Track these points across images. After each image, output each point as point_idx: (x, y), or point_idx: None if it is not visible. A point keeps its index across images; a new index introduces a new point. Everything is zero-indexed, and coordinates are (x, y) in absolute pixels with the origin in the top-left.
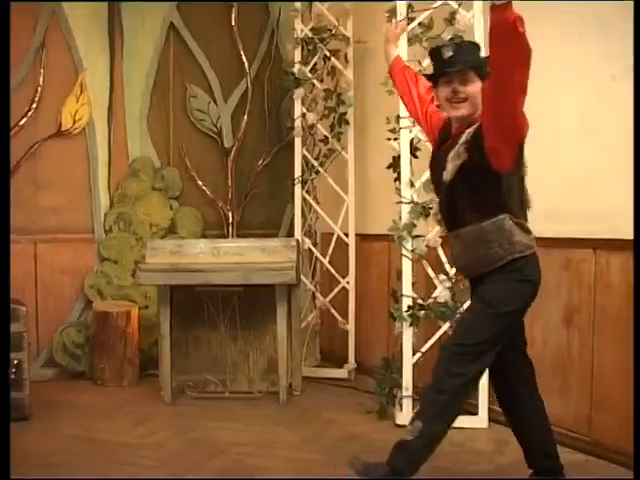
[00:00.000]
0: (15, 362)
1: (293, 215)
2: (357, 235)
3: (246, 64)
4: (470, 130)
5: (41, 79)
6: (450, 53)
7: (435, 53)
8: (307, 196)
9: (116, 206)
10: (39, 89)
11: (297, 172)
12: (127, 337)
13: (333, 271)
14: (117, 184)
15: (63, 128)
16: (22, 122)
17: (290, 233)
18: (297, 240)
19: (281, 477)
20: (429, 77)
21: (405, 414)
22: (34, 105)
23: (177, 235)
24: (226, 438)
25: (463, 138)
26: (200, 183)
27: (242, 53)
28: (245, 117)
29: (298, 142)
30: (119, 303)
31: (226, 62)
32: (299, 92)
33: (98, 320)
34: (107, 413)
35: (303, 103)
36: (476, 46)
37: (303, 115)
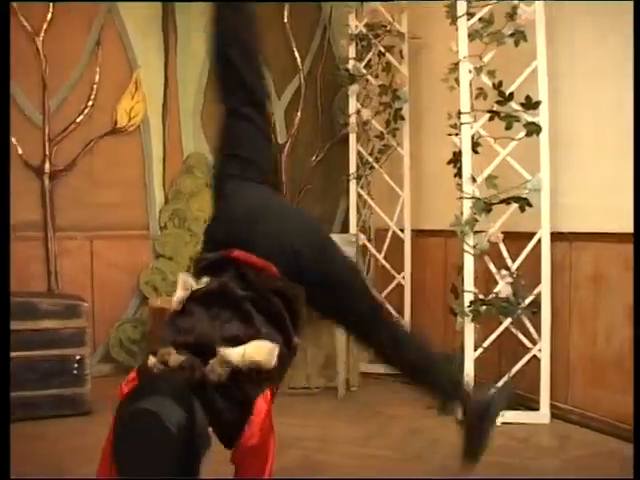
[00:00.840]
0: (77, 357)
1: (346, 211)
2: (412, 231)
3: (299, 60)
4: None
5: (97, 77)
6: None
7: None
8: (362, 192)
9: (171, 202)
10: (95, 87)
11: (352, 168)
12: None
13: (388, 267)
14: (172, 181)
15: (118, 125)
16: (78, 119)
17: (343, 229)
18: (356, 235)
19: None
20: None
21: None
22: (90, 102)
23: None
24: (290, 433)
25: None
26: None
27: (295, 50)
28: (298, 113)
29: (353, 138)
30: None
31: (279, 59)
32: (354, 88)
33: (154, 316)
34: None
35: (357, 99)
36: None
37: (357, 111)
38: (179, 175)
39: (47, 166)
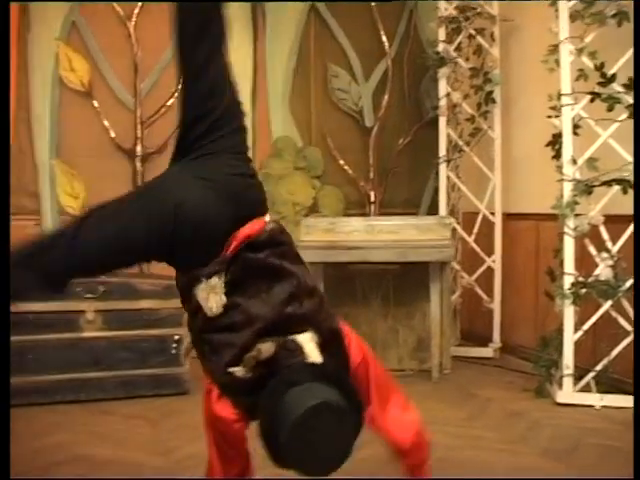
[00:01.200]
0: (176, 337)
1: (433, 194)
2: (502, 214)
3: (386, 43)
4: None
5: None
6: None
7: None
8: (452, 175)
9: None
10: None
11: (442, 151)
12: None
13: (478, 250)
14: (260, 163)
15: None
16: (169, 102)
17: (430, 212)
18: (451, 218)
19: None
20: None
21: (566, 392)
22: (180, 86)
23: (320, 214)
24: None
25: None
26: (342, 162)
27: (382, 32)
28: (386, 96)
29: (443, 121)
30: None
31: (366, 41)
32: (444, 71)
33: None
34: None
35: (447, 82)
36: None
37: (447, 94)
38: (268, 158)
39: (139, 149)
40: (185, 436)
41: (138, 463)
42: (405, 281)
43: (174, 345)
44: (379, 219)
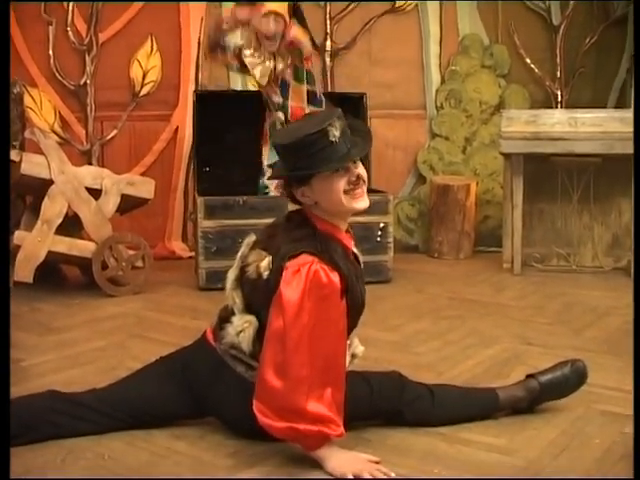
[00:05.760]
0: (381, 225)
1: (619, 95)
2: None
3: None
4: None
5: None
6: (338, 133)
7: (312, 138)
8: None
9: (447, 82)
10: None
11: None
12: (465, 210)
13: None
14: (448, 61)
15: (397, 4)
16: None
17: None
18: None
19: None
20: (300, 176)
21: None
22: None
23: None
24: (602, 303)
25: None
26: (528, 61)
27: None
28: None
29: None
30: (455, 178)
31: None
32: None
33: (437, 193)
34: (462, 280)
35: None
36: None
37: None
38: (455, 55)
39: (328, 44)
40: (405, 315)
41: (375, 338)
42: (605, 177)
43: (379, 233)
44: (581, 111)
